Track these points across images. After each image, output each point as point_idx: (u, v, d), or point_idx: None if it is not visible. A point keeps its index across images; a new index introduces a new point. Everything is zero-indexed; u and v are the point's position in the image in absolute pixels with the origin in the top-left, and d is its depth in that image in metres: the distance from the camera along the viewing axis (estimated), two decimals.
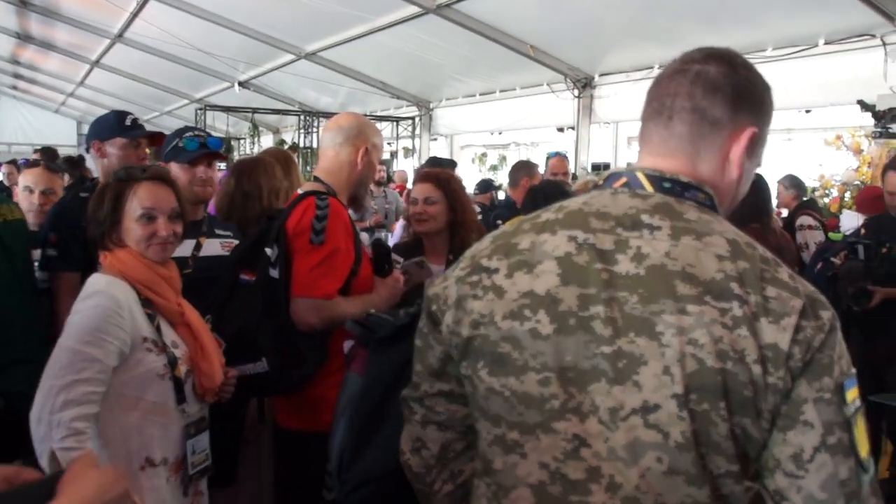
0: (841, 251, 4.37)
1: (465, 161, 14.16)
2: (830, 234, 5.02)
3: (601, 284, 1.20)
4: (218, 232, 3.16)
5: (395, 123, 13.45)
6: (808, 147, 9.13)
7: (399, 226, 6.81)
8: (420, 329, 1.39)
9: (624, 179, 1.29)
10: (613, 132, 11.06)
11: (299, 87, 13.63)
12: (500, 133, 12.30)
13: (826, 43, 7.48)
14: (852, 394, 1.15)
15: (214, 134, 3.35)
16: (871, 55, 7.05)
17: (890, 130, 4.06)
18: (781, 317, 1.13)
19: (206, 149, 3.07)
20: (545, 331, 1.21)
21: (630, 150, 11.12)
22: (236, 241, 3.14)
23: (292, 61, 11.77)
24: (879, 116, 4.08)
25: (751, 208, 3.77)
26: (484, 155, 14.46)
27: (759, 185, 4.18)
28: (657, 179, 1.27)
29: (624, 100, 9.11)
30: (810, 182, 7.95)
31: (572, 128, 9.74)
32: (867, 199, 5.19)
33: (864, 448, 1.15)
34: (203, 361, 2.29)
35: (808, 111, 8.84)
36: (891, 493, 4.40)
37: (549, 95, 9.82)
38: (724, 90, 1.26)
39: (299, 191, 2.81)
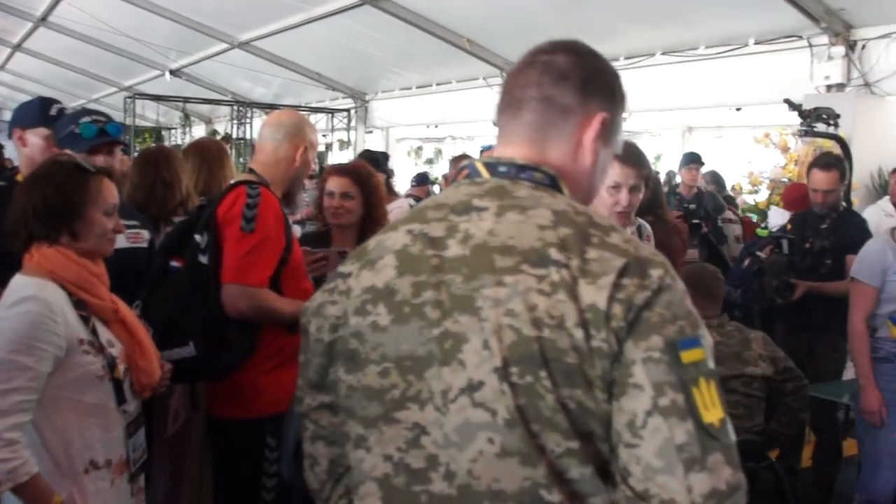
0: (767, 246, 4.49)
1: (401, 154, 14.11)
2: (758, 230, 5.15)
3: (431, 270, 1.19)
4: (123, 223, 3.09)
5: (330, 115, 13.35)
6: (739, 144, 9.34)
7: None
8: (300, 344, 1.36)
9: (466, 171, 1.30)
10: None
11: (233, 77, 13.42)
12: (436, 126, 12.28)
13: (756, 43, 7.68)
14: (692, 355, 1.07)
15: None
16: (798, 56, 7.26)
17: (815, 129, 4.17)
18: (599, 276, 1.09)
19: (106, 136, 2.92)
20: (384, 322, 1.20)
21: None
22: (145, 232, 3.09)
23: (225, 50, 11.59)
24: (805, 115, 4.20)
25: (648, 202, 3.85)
26: (420, 148, 14.44)
27: (654, 181, 4.28)
28: (493, 166, 1.26)
29: None
30: (740, 179, 8.15)
31: None
32: (793, 196, 5.32)
33: (711, 414, 1.06)
34: (141, 358, 2.24)
35: (738, 109, 9.07)
36: (814, 480, 4.54)
37: (486, 89, 9.85)
38: (572, 78, 1.26)
39: (232, 181, 2.81)
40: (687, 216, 5.56)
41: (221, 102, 14.31)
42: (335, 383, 1.28)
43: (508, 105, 1.29)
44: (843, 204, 4.51)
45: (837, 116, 4.98)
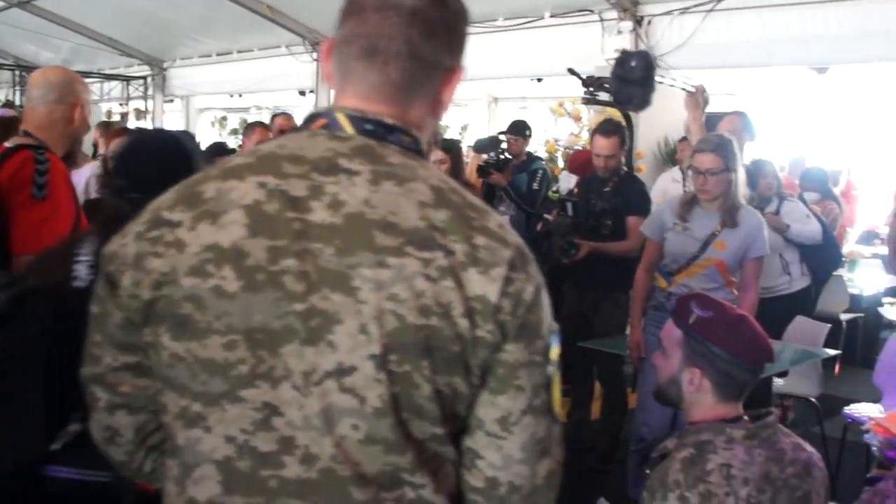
0: (554, 209, 4.65)
1: (205, 125, 13.59)
2: (550, 194, 5.34)
3: (293, 235, 1.08)
4: None
5: (125, 83, 12.62)
6: (541, 115, 9.63)
7: None
8: (97, 294, 1.19)
9: (323, 120, 1.16)
10: None
11: (14, 39, 12.39)
12: (240, 96, 11.89)
13: (552, 16, 7.93)
14: (556, 352, 1.14)
15: None
16: (590, 29, 7.57)
17: (597, 97, 4.35)
18: (491, 267, 1.07)
19: None
20: (231, 288, 1.07)
21: None
22: None
23: (4, 9, 10.65)
24: (588, 84, 4.36)
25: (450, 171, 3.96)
26: (224, 118, 13.96)
27: (455, 150, 4.61)
28: (359, 120, 1.15)
29: None
30: (538, 147, 8.42)
31: (313, 91, 9.63)
32: (579, 161, 5.57)
33: (557, 404, 1.15)
34: None
35: (539, 80, 9.35)
36: (602, 430, 4.77)
37: (289, 58, 9.63)
38: (442, 33, 1.18)
39: (7, 144, 2.63)
40: (483, 169, 5.68)
41: (1, 67, 13.20)
42: (151, 347, 1.13)
43: (367, 53, 1.15)
44: (625, 168, 4.73)
45: None
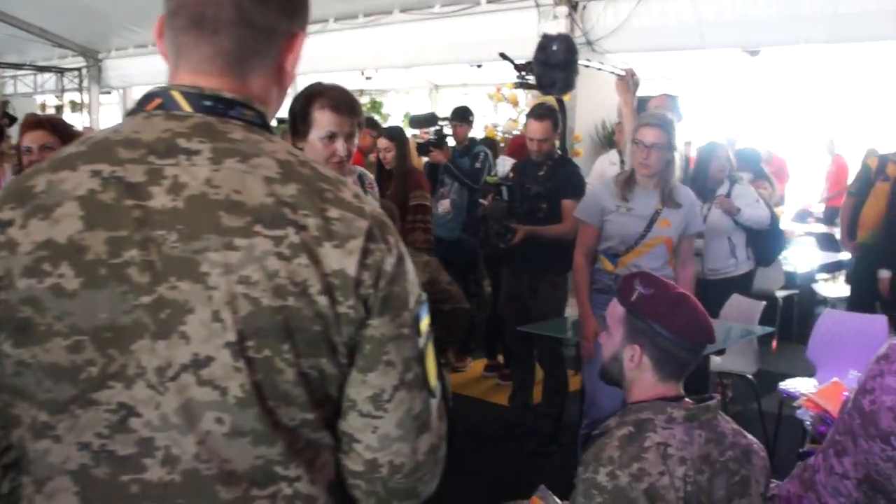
0: (489, 193, 4.67)
1: None
2: (488, 178, 5.35)
3: (134, 224, 1.01)
4: None
5: (59, 75, 12.33)
6: (482, 101, 9.65)
7: None
8: None
9: (159, 100, 1.09)
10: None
11: None
12: None
13: (488, 2, 7.95)
14: (425, 323, 1.11)
15: None
16: (526, 15, 7.61)
17: (528, 81, 4.36)
18: (347, 239, 1.03)
19: None
20: (71, 286, 1.00)
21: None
22: None
23: None
24: (520, 69, 4.36)
25: None
26: None
27: (400, 137, 4.52)
28: (196, 97, 1.08)
29: (302, 52, 9.04)
30: (478, 133, 8.46)
31: None
32: (516, 145, 5.60)
33: (433, 376, 1.12)
34: None
35: (479, 66, 9.37)
36: (544, 412, 4.79)
37: None
38: None
39: None
40: (423, 147, 5.70)
41: None
42: None
43: (195, 24, 1.09)
44: (559, 152, 4.76)
45: None
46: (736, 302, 4.78)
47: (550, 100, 5.05)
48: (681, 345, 1.95)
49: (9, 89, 13.94)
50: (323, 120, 2.58)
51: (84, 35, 11.47)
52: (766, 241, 5.23)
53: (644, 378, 1.98)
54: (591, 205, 3.89)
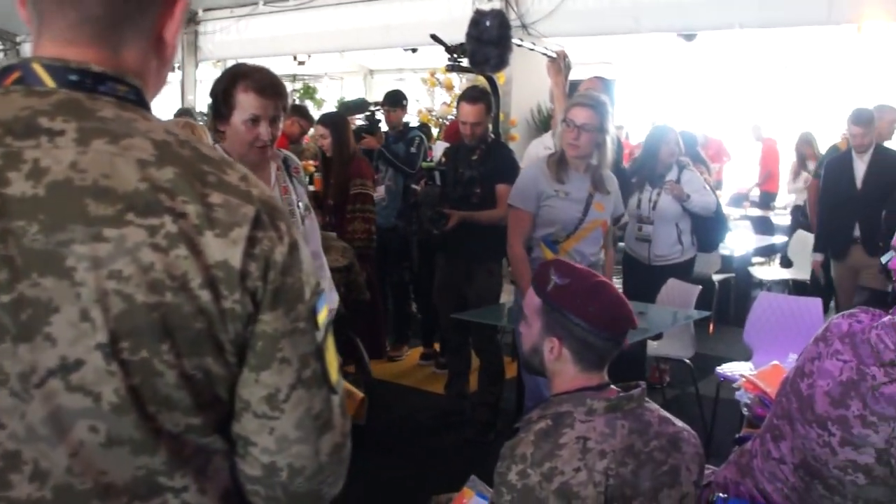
0: (422, 179, 4.56)
1: None
2: (423, 164, 5.25)
3: None
4: None
5: None
6: (418, 86, 9.55)
7: None
8: None
9: (17, 74, 0.98)
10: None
11: None
12: None
13: None
14: (323, 315, 1.04)
15: None
16: None
17: (461, 64, 4.25)
18: (230, 228, 0.95)
19: None
20: None
21: None
22: None
23: None
24: (451, 51, 4.25)
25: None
26: None
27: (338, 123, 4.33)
28: (61, 71, 0.97)
29: (231, 36, 8.83)
30: (413, 119, 8.35)
31: (179, 67, 9.26)
32: (452, 130, 5.51)
33: (334, 371, 1.05)
34: None
35: (414, 51, 9.27)
36: (481, 401, 4.72)
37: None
38: None
39: None
40: (355, 134, 5.58)
41: None
42: None
43: None
44: (492, 135, 4.67)
45: None
46: (672, 286, 4.78)
47: (483, 83, 4.96)
48: (599, 335, 1.89)
49: None
50: (246, 102, 2.53)
51: (1, 17, 11.06)
52: (709, 228, 5.22)
53: (565, 369, 1.92)
54: (525, 190, 3.77)
